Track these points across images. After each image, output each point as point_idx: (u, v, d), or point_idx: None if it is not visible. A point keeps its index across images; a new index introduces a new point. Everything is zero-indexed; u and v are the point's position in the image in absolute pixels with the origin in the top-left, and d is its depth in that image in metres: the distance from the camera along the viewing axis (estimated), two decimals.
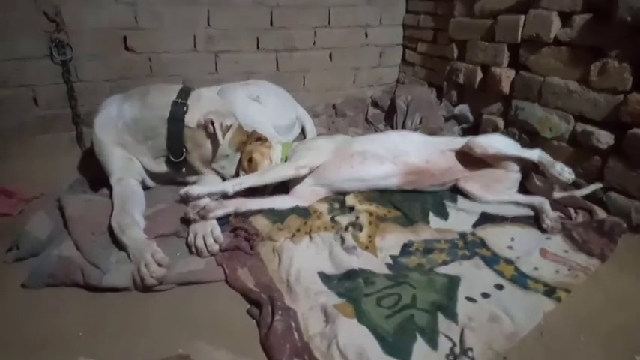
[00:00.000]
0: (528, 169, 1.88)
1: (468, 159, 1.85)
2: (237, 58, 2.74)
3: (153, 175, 1.84)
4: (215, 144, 1.76)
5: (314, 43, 2.93)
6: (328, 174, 1.81)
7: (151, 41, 2.48)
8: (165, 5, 2.45)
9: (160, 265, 1.33)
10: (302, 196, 1.80)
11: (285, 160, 1.86)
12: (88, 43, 2.34)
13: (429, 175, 1.83)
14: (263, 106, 2.19)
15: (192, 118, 1.70)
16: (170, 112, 1.69)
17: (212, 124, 1.68)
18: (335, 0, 2.87)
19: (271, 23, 2.76)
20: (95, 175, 1.89)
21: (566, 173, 1.66)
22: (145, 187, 1.84)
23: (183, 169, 1.81)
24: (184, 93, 1.74)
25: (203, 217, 1.54)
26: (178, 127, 1.69)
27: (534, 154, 1.76)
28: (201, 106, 1.72)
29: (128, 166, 1.77)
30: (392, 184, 1.84)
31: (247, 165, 1.82)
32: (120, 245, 1.46)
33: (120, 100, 1.80)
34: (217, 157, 1.81)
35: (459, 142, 1.88)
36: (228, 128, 1.75)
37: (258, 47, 2.78)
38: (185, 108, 1.69)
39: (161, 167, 1.81)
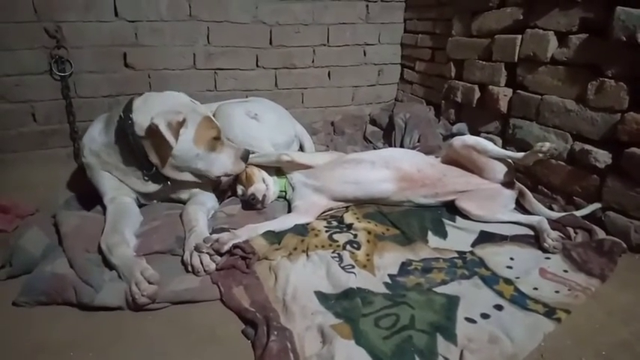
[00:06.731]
0: (523, 190, 1.89)
1: (458, 173, 1.89)
2: (236, 75, 2.76)
3: (144, 195, 1.81)
4: (173, 147, 1.61)
5: (313, 61, 2.95)
6: (323, 175, 1.89)
7: (151, 58, 2.50)
8: (165, 22, 2.48)
9: (150, 282, 1.30)
10: (305, 211, 1.82)
11: (285, 196, 1.97)
12: (87, 59, 2.36)
13: (421, 184, 1.88)
14: (261, 124, 2.19)
15: (140, 128, 1.61)
16: (115, 132, 1.65)
17: (157, 128, 1.55)
18: (334, 19, 2.91)
19: (270, 41, 2.78)
20: (91, 191, 1.87)
21: (547, 144, 1.71)
22: (141, 205, 1.82)
23: (169, 182, 1.76)
24: (129, 104, 1.66)
25: (217, 251, 1.48)
26: (131, 141, 1.62)
27: (518, 154, 1.83)
28: (147, 110, 1.62)
29: (119, 185, 1.75)
30: (386, 189, 1.88)
31: (245, 180, 1.87)
32: (111, 266, 1.44)
33: (102, 120, 1.78)
34: (187, 160, 1.69)
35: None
36: (181, 124, 1.61)
37: (257, 65, 2.80)
38: (130, 121, 1.61)
39: (148, 187, 1.76)
